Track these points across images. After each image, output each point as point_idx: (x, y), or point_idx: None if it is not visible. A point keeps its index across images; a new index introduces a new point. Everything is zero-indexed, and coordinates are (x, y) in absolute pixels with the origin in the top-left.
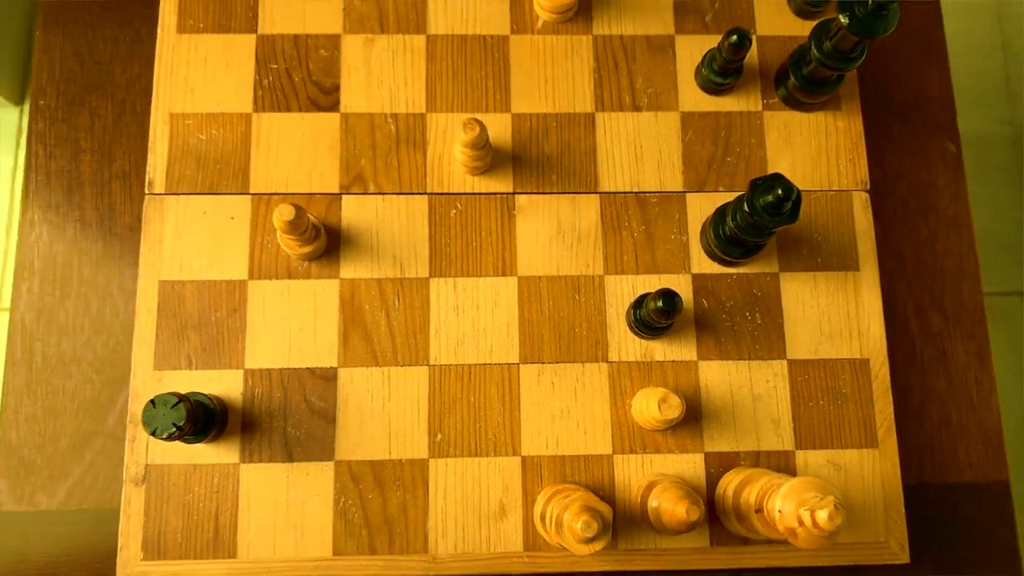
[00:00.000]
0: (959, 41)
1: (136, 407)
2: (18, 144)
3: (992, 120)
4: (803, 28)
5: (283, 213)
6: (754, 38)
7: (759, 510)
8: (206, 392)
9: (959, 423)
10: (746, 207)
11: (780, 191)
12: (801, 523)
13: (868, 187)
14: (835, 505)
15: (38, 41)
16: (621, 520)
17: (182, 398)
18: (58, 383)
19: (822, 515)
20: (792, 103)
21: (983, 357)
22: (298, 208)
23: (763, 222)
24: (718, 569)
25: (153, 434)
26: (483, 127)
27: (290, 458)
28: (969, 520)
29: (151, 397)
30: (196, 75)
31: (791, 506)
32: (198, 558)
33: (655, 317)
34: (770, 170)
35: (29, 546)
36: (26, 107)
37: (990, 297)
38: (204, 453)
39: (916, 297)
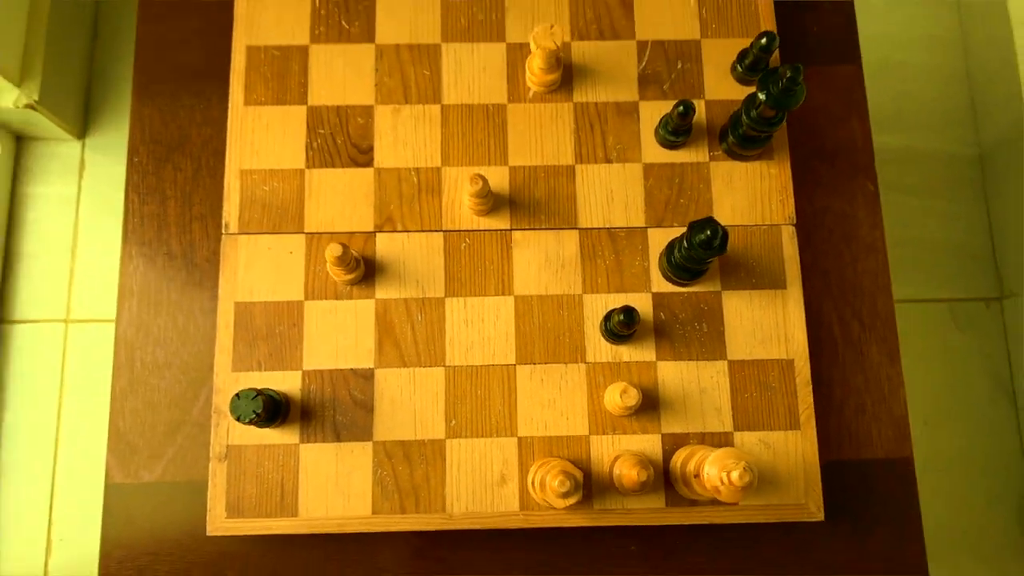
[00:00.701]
0: (928, 70)
1: (219, 400)
2: (80, 175)
3: (959, 142)
4: (743, 92)
5: (332, 251)
6: (703, 102)
7: (697, 475)
8: (273, 388)
9: (873, 411)
10: (686, 243)
11: (710, 231)
12: (723, 481)
13: (795, 222)
14: (744, 467)
15: (133, 110)
16: (595, 486)
17: (259, 392)
18: (154, 383)
19: (735, 474)
20: (733, 155)
21: (893, 357)
22: (344, 246)
23: (698, 255)
24: (671, 525)
25: (238, 419)
26: (485, 181)
27: (338, 439)
28: (880, 489)
29: (234, 392)
30: (260, 139)
31: (715, 470)
32: (268, 516)
33: (619, 328)
34: (715, 209)
35: (135, 510)
36: (86, 141)
37: (959, 303)
38: (272, 436)
39: (839, 309)
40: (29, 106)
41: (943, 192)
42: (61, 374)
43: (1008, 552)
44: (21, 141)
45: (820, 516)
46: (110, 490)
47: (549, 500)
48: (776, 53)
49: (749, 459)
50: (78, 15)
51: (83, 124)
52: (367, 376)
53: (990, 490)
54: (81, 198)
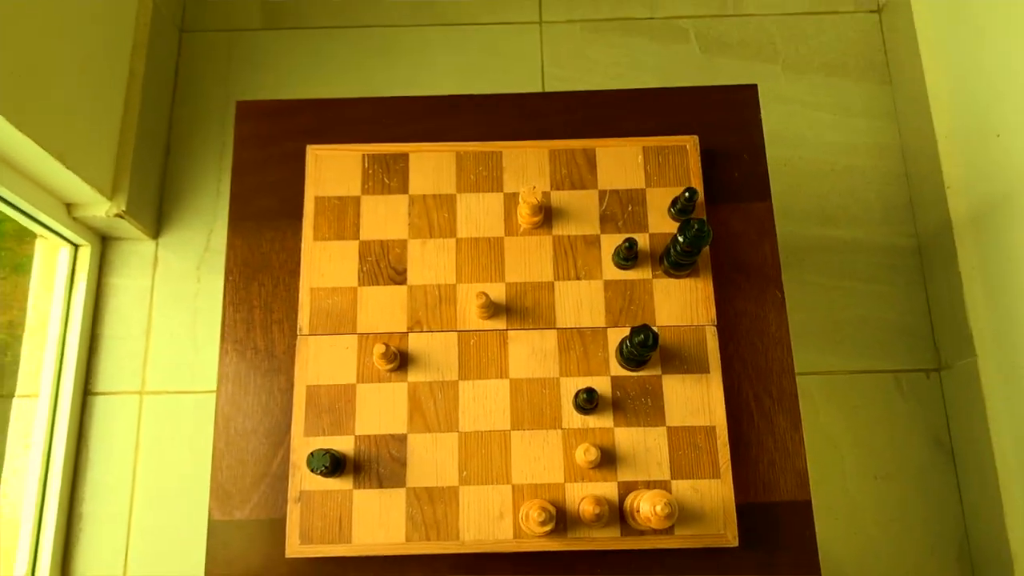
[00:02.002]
0: (872, 172)
1: (295, 457)
2: (154, 269)
3: (900, 234)
4: (675, 227)
5: (378, 349)
6: (647, 235)
7: (637, 511)
8: (335, 448)
9: (780, 465)
10: (628, 343)
11: (643, 335)
12: (653, 513)
13: (716, 323)
14: (665, 502)
15: (228, 242)
16: (568, 521)
17: (327, 451)
18: (243, 444)
19: (659, 507)
20: (669, 275)
21: (796, 424)
22: (387, 345)
23: (638, 351)
24: (625, 550)
25: (312, 471)
26: (488, 296)
27: (381, 485)
28: (784, 524)
29: (305, 453)
30: (324, 265)
31: (648, 506)
32: (330, 543)
33: (584, 403)
34: (657, 314)
35: (230, 541)
36: (160, 241)
37: (903, 373)
38: (332, 483)
39: (754, 387)
40: (118, 215)
41: (886, 278)
42: (136, 437)
43: None
44: (106, 240)
45: (735, 543)
46: (212, 526)
47: (532, 529)
48: (701, 197)
49: (671, 497)
50: (155, 137)
51: (157, 227)
52: (402, 440)
53: (933, 539)
54: (155, 288)
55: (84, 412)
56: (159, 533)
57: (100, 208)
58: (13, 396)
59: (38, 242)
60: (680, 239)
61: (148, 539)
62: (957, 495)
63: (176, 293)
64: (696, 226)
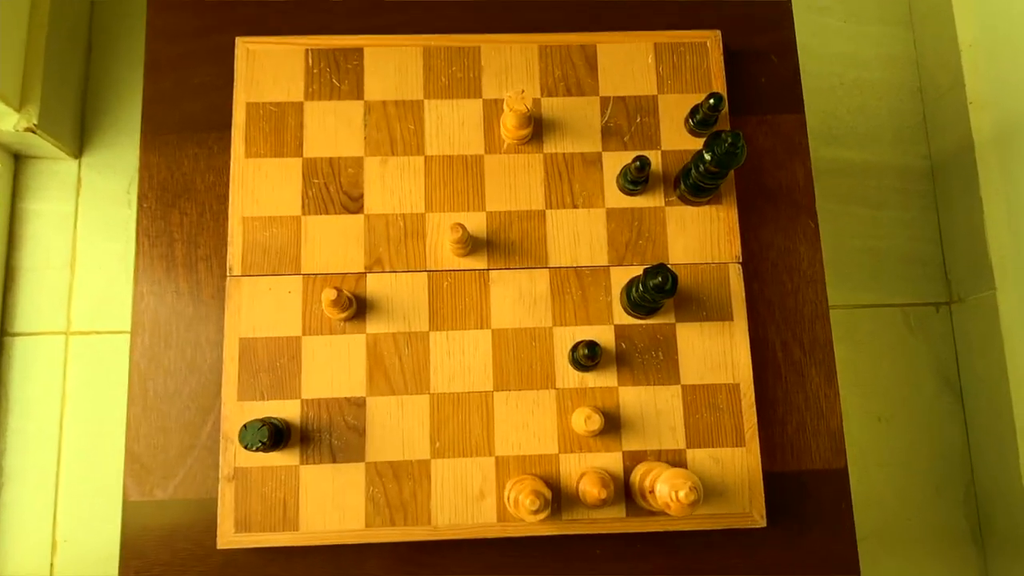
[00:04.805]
0: (883, 86)
1: (227, 427)
2: (77, 193)
3: (912, 155)
4: (695, 143)
5: (327, 295)
6: (659, 152)
7: (651, 491)
8: (275, 416)
9: (812, 427)
10: (641, 286)
11: (661, 278)
12: (672, 499)
13: (741, 260)
14: (690, 487)
15: (141, 159)
16: (564, 499)
17: (264, 422)
18: (165, 410)
19: (682, 494)
20: (685, 201)
21: (830, 379)
22: (338, 290)
23: (652, 297)
24: (631, 532)
25: (245, 447)
26: (464, 228)
27: (334, 460)
28: (816, 496)
29: (238, 422)
30: (259, 188)
31: (666, 488)
32: (272, 531)
33: (583, 360)
34: (670, 249)
35: (150, 525)
36: (83, 160)
37: (911, 307)
38: (275, 458)
39: (782, 334)
40: (29, 129)
41: (896, 203)
42: (63, 383)
43: (952, 537)
44: (19, 160)
45: (763, 523)
46: (128, 507)
47: (522, 516)
48: (725, 108)
49: (696, 480)
50: (73, 38)
51: (79, 144)
52: (359, 404)
53: (938, 481)
54: (79, 214)
55: (1, 355)
56: (91, 491)
57: (7, 121)
58: None
59: None
60: (707, 156)
61: (79, 498)
62: (964, 437)
63: (104, 219)
64: (728, 140)
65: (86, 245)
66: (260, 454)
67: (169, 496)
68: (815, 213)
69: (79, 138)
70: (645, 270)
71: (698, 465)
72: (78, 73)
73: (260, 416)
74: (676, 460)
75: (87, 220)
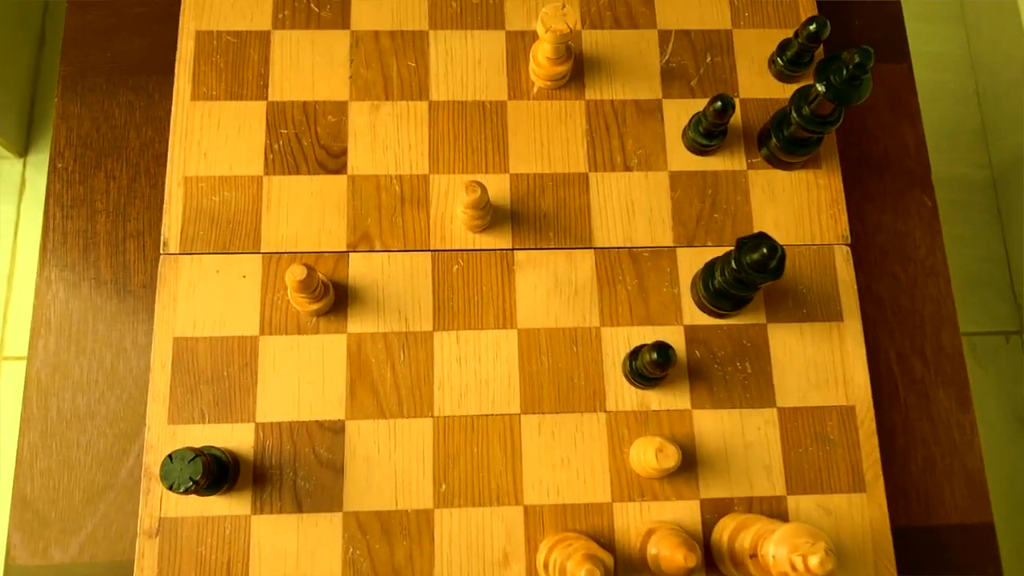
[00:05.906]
0: (935, 89)
1: (151, 460)
2: (20, 196)
3: (969, 164)
4: (783, 91)
5: (295, 273)
6: (737, 101)
7: (754, 555)
8: (219, 446)
9: (943, 466)
10: (734, 264)
11: (765, 250)
12: (794, 568)
13: (849, 241)
14: (826, 551)
15: (57, 108)
16: (622, 567)
17: (198, 452)
18: (72, 436)
19: (814, 560)
20: (775, 162)
21: (964, 401)
22: (309, 268)
23: (750, 278)
24: None
25: (171, 488)
26: (484, 189)
27: (300, 509)
28: (956, 562)
29: (167, 452)
30: (209, 140)
31: (784, 551)
32: None
33: (649, 369)
34: (755, 226)
35: None
36: (28, 159)
37: (977, 337)
38: (217, 505)
39: (897, 343)
40: None
41: (955, 218)
42: None
43: None
44: None
45: None
46: (12, 573)
47: None
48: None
49: (828, 540)
50: (24, 27)
51: (25, 142)
52: (336, 429)
53: (1006, 524)
54: (20, 220)
55: None
56: None
57: None
58: None
59: None
60: (819, 88)
61: None
62: None
63: None
64: (857, 59)
65: (27, 255)
66: (194, 498)
67: (71, 558)
68: (932, 187)
69: (26, 135)
70: (739, 241)
71: (802, 518)
72: (28, 65)
73: (197, 445)
74: (773, 511)
75: (30, 227)
